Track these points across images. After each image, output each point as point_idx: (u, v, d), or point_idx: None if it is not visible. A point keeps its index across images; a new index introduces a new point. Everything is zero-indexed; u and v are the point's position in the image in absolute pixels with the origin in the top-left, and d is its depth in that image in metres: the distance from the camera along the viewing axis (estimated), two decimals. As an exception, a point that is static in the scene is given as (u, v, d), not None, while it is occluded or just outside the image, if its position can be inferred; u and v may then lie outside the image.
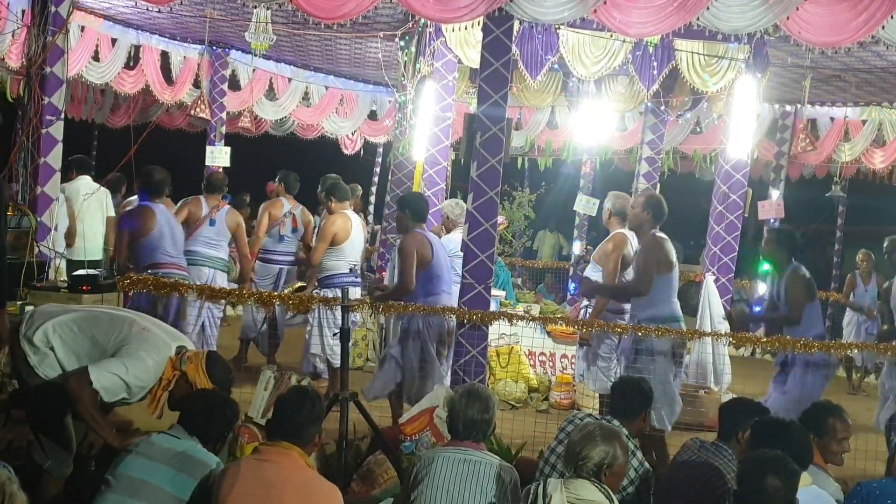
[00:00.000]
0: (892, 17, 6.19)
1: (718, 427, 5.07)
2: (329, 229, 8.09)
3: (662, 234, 6.88)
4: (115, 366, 4.56)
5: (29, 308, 6.06)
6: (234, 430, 5.63)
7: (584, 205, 12.49)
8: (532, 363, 9.07)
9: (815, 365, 6.71)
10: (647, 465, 5.00)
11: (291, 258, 9.36)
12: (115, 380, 4.54)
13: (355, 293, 7.78)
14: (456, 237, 8.33)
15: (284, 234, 9.28)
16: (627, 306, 7.72)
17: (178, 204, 8.91)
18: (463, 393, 4.56)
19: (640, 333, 6.69)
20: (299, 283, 8.63)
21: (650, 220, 6.87)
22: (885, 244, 7.62)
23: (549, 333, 9.06)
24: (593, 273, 7.70)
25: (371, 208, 16.61)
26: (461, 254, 7.98)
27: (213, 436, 4.27)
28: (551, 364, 9.22)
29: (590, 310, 7.62)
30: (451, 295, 7.22)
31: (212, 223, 8.40)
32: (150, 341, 4.74)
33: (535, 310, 9.75)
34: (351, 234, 8.14)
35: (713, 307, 8.85)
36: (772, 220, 12.32)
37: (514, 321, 7.09)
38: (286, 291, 8.61)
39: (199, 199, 8.57)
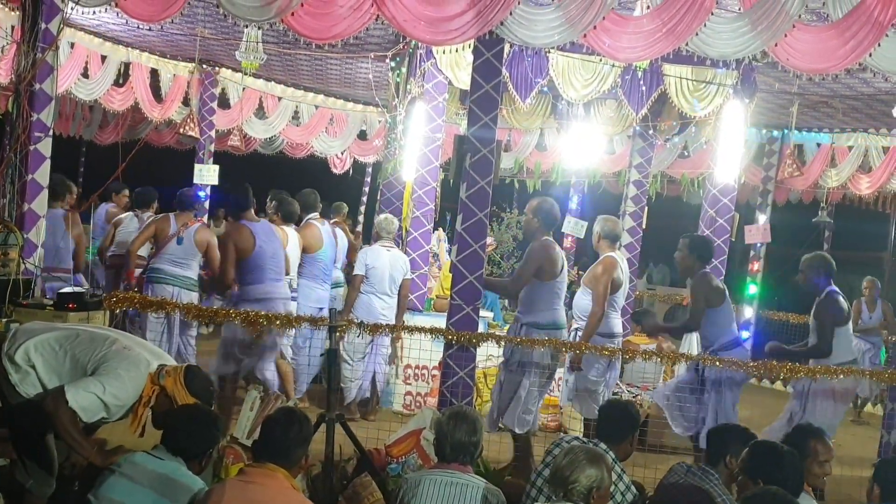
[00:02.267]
0: (879, 44, 6.24)
1: (706, 451, 5.07)
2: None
3: (552, 241, 7.12)
4: (93, 385, 4.51)
5: (14, 325, 6.02)
6: (219, 451, 5.61)
7: (573, 227, 12.51)
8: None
9: (728, 382, 6.84)
10: (634, 489, 5.00)
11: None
12: (93, 399, 4.49)
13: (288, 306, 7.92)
14: (368, 249, 8.64)
15: None
16: (618, 330, 7.77)
17: (147, 221, 8.93)
18: (450, 415, 4.54)
19: (627, 356, 6.70)
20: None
21: (540, 227, 7.15)
22: (800, 264, 7.66)
23: (536, 355, 9.04)
24: (583, 296, 7.71)
25: (360, 228, 16.59)
26: (373, 266, 8.43)
27: (196, 453, 4.23)
28: (538, 386, 9.19)
29: (580, 333, 7.64)
30: (279, 282, 7.49)
31: (179, 241, 8.37)
32: (130, 359, 4.69)
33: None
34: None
35: (700, 331, 8.85)
36: (758, 245, 12.38)
37: (502, 343, 7.08)
38: None
39: (168, 216, 8.57)
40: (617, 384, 8.48)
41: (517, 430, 7.02)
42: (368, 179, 16.71)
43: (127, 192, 10.63)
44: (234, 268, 7.24)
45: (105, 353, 4.70)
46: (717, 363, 6.84)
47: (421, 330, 7.07)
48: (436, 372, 8.23)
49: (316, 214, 8.99)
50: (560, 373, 8.90)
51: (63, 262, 8.74)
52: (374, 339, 8.19)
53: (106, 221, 10.28)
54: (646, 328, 8.00)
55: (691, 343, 8.82)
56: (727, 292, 7.32)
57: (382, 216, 9.01)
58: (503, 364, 7.21)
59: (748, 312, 12.53)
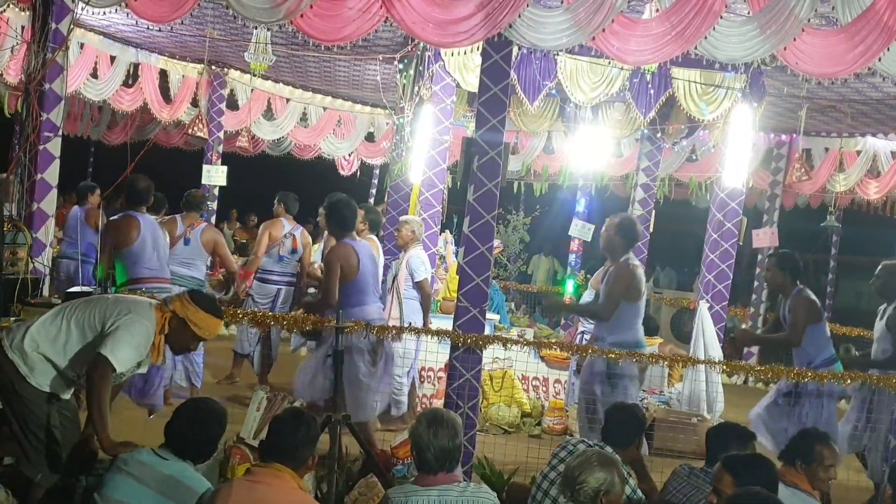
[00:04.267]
0: (888, 49, 6.22)
1: (706, 452, 5.07)
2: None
3: (636, 262, 6.96)
4: (122, 337, 4.68)
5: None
6: (225, 451, 5.63)
7: (579, 230, 12.51)
8: (525, 388, 9.05)
9: (828, 394, 6.76)
10: (639, 492, 5.00)
11: (290, 278, 9.36)
12: (128, 350, 4.70)
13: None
14: (419, 253, 8.43)
15: (283, 255, 9.29)
16: (643, 339, 7.73)
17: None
18: (427, 422, 4.24)
19: (635, 359, 6.69)
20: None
21: (623, 245, 6.95)
22: (877, 269, 7.55)
23: (542, 358, 9.05)
24: (590, 299, 7.71)
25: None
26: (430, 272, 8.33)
27: (202, 454, 4.27)
28: (545, 389, 9.20)
29: (587, 336, 7.63)
30: (378, 304, 7.19)
31: (186, 242, 8.38)
32: (134, 304, 4.90)
33: (530, 334, 9.74)
34: None
35: (707, 334, 8.85)
36: (766, 249, 12.36)
37: (509, 345, 7.08)
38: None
39: (175, 218, 8.59)
40: None
41: None
42: (376, 181, 16.73)
43: (98, 191, 10.30)
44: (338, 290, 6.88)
45: (106, 307, 4.84)
46: (727, 367, 6.83)
47: (427, 332, 7.08)
48: (442, 374, 8.23)
49: None
50: (562, 375, 8.91)
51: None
52: (418, 345, 8.10)
53: (84, 222, 9.79)
54: (738, 336, 7.77)
55: (698, 347, 8.80)
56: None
57: (417, 218, 8.86)
58: (587, 382, 6.93)
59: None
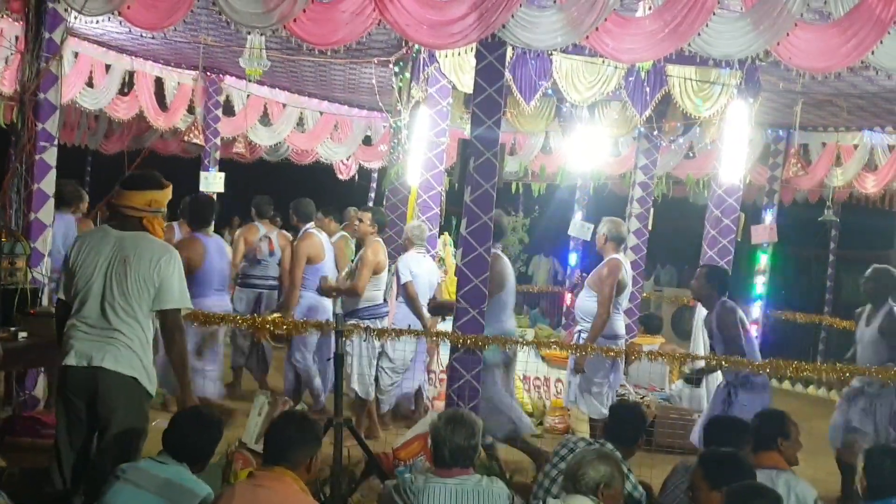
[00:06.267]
0: (881, 42, 6.24)
1: (703, 444, 5.08)
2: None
3: (499, 252, 7.11)
4: (180, 277, 4.82)
5: (22, 335, 6.02)
6: (228, 457, 5.64)
7: (578, 229, 12.51)
8: (527, 388, 9.06)
9: (760, 388, 6.74)
10: (640, 488, 5.02)
11: (272, 282, 9.40)
12: (184, 285, 4.87)
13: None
14: (408, 256, 8.38)
15: (262, 258, 9.32)
16: (622, 331, 7.77)
17: None
18: (447, 420, 4.44)
19: (633, 357, 6.70)
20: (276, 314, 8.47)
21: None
22: (867, 272, 7.52)
23: (543, 358, 9.06)
24: (588, 298, 7.72)
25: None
26: (417, 274, 8.24)
27: (200, 457, 4.28)
28: (546, 388, 9.21)
29: (583, 335, 7.64)
30: (219, 297, 7.67)
31: None
32: (147, 247, 4.82)
33: (530, 335, 9.74)
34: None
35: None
36: (765, 244, 12.37)
37: (508, 346, 7.08)
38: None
39: (171, 225, 8.61)
40: (623, 385, 8.49)
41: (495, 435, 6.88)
42: (374, 185, 16.73)
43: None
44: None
45: (137, 264, 4.76)
46: (724, 363, 6.82)
47: (426, 333, 7.09)
48: (442, 375, 8.23)
49: (312, 224, 8.93)
50: (563, 375, 8.90)
51: None
52: (418, 346, 8.09)
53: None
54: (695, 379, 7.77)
55: (697, 345, 8.81)
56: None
57: (415, 223, 8.83)
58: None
59: (755, 312, 12.50)
